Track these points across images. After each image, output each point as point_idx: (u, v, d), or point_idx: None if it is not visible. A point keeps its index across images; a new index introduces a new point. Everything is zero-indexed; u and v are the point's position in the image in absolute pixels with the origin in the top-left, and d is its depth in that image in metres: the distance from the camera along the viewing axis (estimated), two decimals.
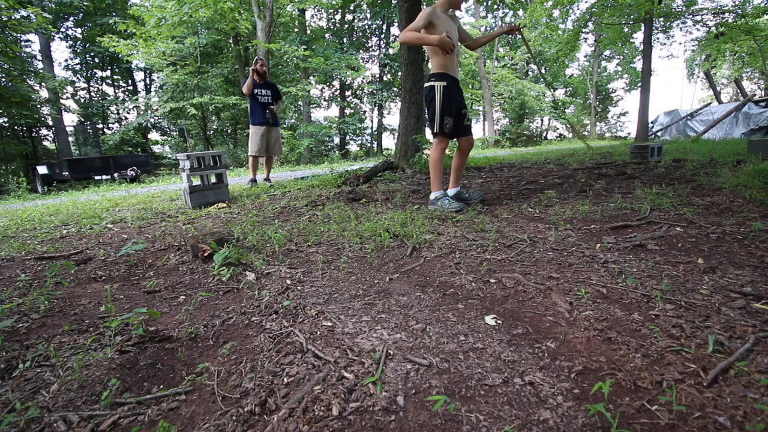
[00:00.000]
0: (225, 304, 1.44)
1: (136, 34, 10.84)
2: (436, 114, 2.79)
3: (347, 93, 24.27)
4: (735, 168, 3.64)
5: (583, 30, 13.20)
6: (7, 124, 15.01)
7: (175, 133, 21.00)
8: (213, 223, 2.99)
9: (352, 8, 21.26)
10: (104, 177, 10.36)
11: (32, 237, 2.85)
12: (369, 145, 25.43)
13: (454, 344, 1.07)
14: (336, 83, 23.00)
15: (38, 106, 14.05)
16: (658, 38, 16.49)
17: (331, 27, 23.37)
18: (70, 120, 21.06)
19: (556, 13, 13.27)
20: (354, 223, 2.48)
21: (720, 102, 18.21)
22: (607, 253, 1.70)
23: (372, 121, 25.33)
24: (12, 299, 1.54)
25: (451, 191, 3.10)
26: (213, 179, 4.15)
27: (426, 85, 2.86)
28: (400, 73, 10.16)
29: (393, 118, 27.43)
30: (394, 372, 0.95)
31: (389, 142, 25.96)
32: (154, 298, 1.54)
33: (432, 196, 2.95)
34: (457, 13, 2.94)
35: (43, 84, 14.41)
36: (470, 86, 25.87)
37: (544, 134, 32.06)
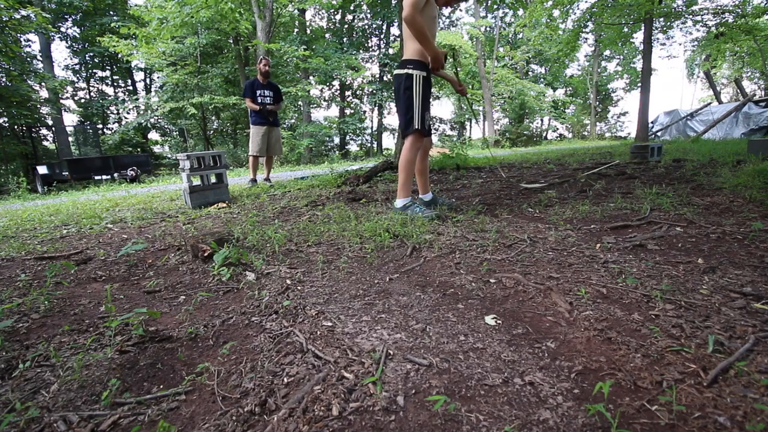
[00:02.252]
0: (225, 304, 1.44)
1: (137, 35, 10.85)
2: (414, 107, 2.42)
3: (347, 93, 24.28)
4: (735, 168, 3.64)
5: (583, 30, 13.21)
6: (7, 124, 15.02)
7: (175, 133, 21.01)
8: (213, 223, 2.99)
9: (352, 8, 21.29)
10: (104, 177, 10.37)
11: (32, 237, 2.85)
12: (369, 145, 25.44)
13: (454, 344, 1.07)
14: (336, 83, 23.01)
15: (38, 106, 14.06)
16: (658, 38, 16.51)
17: (331, 27, 23.39)
18: (70, 120, 21.06)
19: (556, 12, 13.27)
20: (354, 223, 2.48)
21: (720, 102, 18.21)
22: (607, 253, 1.70)
23: (372, 121, 25.35)
24: (12, 299, 1.54)
25: (426, 197, 2.87)
26: (213, 179, 4.16)
27: (399, 72, 2.46)
28: None
29: (393, 118, 27.44)
30: (394, 372, 0.95)
31: (389, 142, 25.98)
32: (154, 298, 1.54)
33: (398, 203, 2.63)
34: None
35: (43, 84, 14.41)
36: (470, 86, 25.83)
37: (544, 134, 32.07)
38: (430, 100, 2.55)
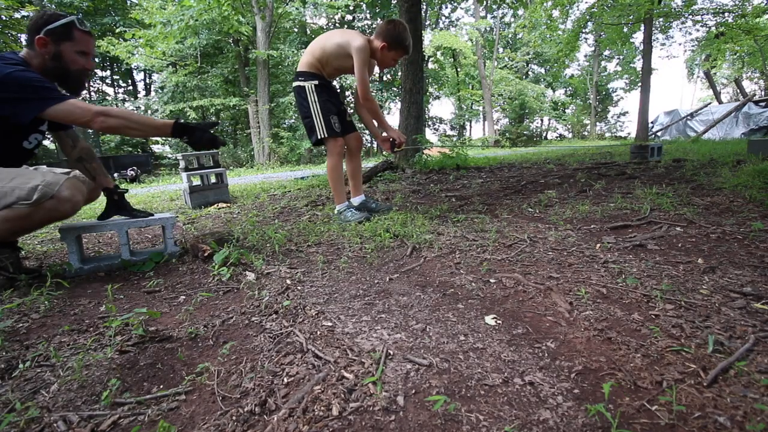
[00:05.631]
0: (225, 304, 1.44)
1: (141, 39, 10.82)
2: (317, 115, 2.46)
3: (347, 93, 24.27)
4: (735, 168, 3.64)
5: (583, 30, 13.21)
6: None
7: None
8: (213, 223, 2.99)
9: (352, 8, 21.30)
10: None
11: (32, 237, 2.85)
12: (369, 145, 25.44)
13: (454, 344, 1.07)
14: (336, 83, 23.02)
15: None
16: (657, 38, 16.51)
17: (331, 27, 23.40)
18: None
19: (555, 13, 13.28)
20: (354, 223, 2.48)
21: (720, 102, 18.20)
22: (607, 253, 1.70)
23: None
24: (12, 299, 1.54)
25: (355, 200, 2.78)
26: (213, 179, 4.16)
27: (294, 85, 2.55)
28: (399, 73, 10.17)
29: (393, 118, 27.45)
30: (394, 372, 0.95)
31: None
32: (154, 298, 1.54)
33: (336, 209, 2.68)
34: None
35: None
36: (470, 87, 25.83)
37: (544, 134, 32.08)
38: (334, 101, 2.56)
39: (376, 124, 2.71)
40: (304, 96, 2.47)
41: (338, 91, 2.80)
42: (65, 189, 1.61)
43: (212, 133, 1.82)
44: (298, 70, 2.52)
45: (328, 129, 2.47)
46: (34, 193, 1.54)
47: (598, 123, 32.42)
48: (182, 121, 1.81)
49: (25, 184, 1.55)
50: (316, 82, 2.46)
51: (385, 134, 2.67)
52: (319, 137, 2.48)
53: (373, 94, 2.55)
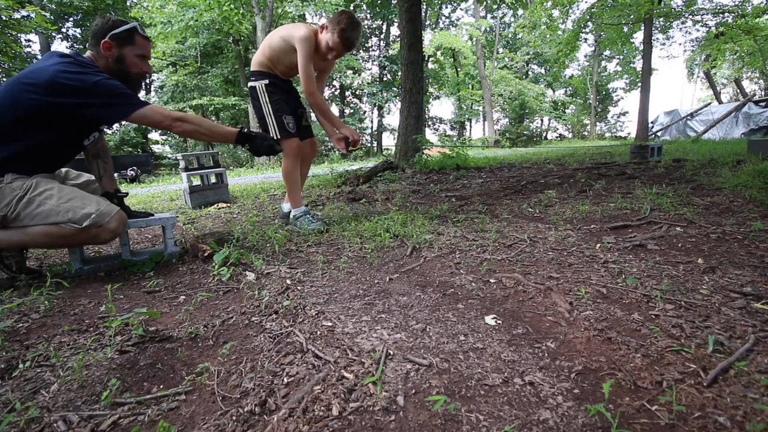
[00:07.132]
0: (225, 304, 1.44)
1: None
2: (269, 115, 2.35)
3: (347, 93, 24.29)
4: (735, 168, 3.64)
5: (583, 30, 13.22)
6: None
7: None
8: (213, 223, 2.99)
9: (351, 8, 21.28)
10: None
11: None
12: (369, 145, 25.45)
13: (454, 344, 1.07)
14: (336, 83, 23.01)
15: None
16: (657, 38, 16.52)
17: None
18: None
19: (555, 13, 13.29)
20: (354, 223, 2.48)
21: (720, 102, 18.21)
22: (607, 253, 1.70)
23: (372, 122, 25.37)
24: (12, 299, 1.54)
25: (286, 207, 2.65)
26: (213, 179, 4.16)
27: (248, 86, 2.48)
28: (400, 73, 10.18)
29: (393, 117, 27.48)
30: (394, 372, 0.95)
31: (389, 142, 26.01)
32: (154, 298, 1.54)
33: (292, 213, 2.53)
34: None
35: None
36: (470, 87, 25.81)
37: (544, 134, 32.08)
38: (288, 101, 2.46)
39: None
40: (256, 96, 2.38)
41: (298, 93, 2.61)
42: (113, 221, 1.69)
43: (270, 141, 2.00)
44: (251, 69, 2.44)
45: (281, 129, 2.34)
46: (85, 220, 1.62)
47: (598, 123, 32.43)
48: (245, 130, 1.95)
49: (80, 208, 1.62)
50: (267, 81, 2.36)
51: (338, 133, 2.53)
52: (274, 138, 2.31)
53: (331, 93, 2.45)
